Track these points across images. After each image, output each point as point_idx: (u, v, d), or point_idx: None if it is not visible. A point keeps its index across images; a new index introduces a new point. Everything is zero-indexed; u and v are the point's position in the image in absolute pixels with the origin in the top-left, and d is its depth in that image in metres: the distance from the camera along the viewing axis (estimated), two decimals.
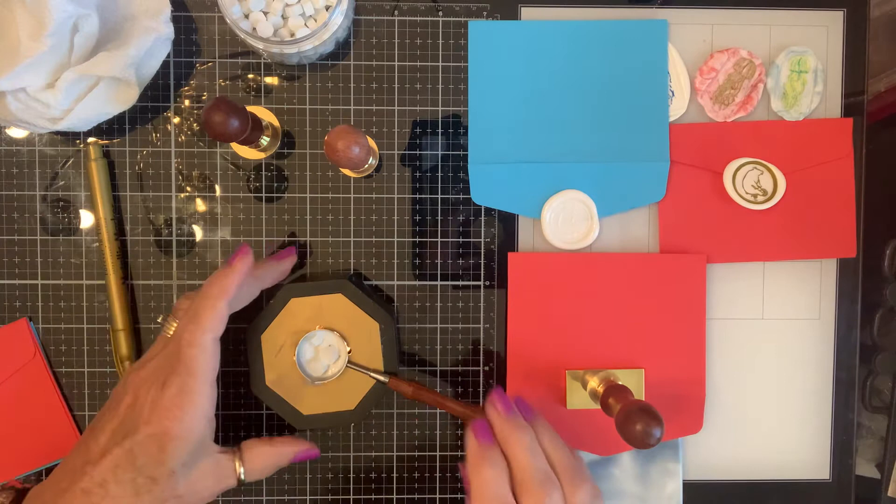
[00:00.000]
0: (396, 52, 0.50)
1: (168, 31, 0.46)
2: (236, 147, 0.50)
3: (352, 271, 0.51)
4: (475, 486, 0.41)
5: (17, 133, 0.50)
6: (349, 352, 0.47)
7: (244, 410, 0.51)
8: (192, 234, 0.50)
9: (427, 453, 0.51)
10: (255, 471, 0.44)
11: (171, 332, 0.43)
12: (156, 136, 0.50)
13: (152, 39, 0.45)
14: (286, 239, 0.50)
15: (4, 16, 0.43)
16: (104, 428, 0.40)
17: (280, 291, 0.47)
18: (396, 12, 0.50)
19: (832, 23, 0.52)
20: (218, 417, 0.51)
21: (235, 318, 0.50)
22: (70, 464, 0.40)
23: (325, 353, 0.47)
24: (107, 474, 0.38)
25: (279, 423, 0.51)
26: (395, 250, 0.51)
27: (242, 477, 0.43)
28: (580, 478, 0.41)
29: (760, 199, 0.50)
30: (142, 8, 0.46)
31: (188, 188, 0.50)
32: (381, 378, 0.47)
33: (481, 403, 0.51)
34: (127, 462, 0.39)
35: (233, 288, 0.42)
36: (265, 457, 0.44)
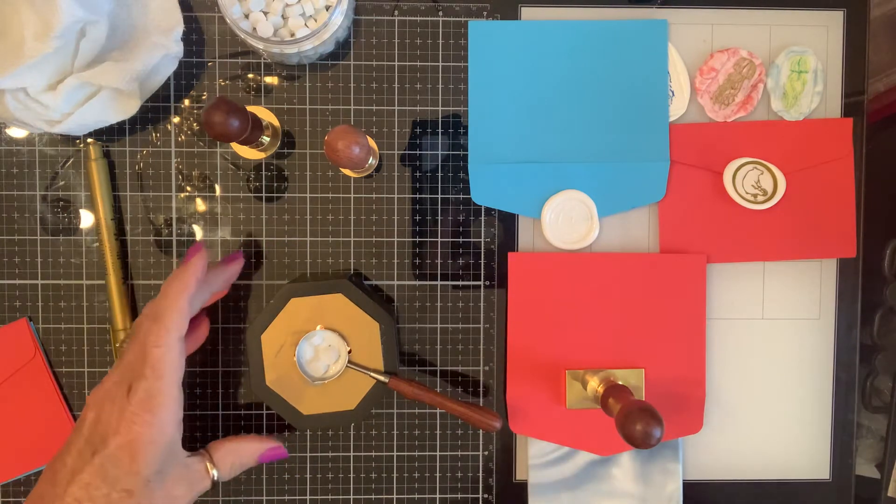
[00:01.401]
0: (396, 52, 0.50)
1: (178, 49, 0.46)
2: (236, 147, 0.50)
3: (352, 271, 0.51)
4: None
5: (17, 133, 0.50)
6: (349, 352, 0.47)
7: (244, 410, 0.51)
8: (192, 234, 0.50)
9: (427, 453, 0.51)
10: (226, 469, 0.43)
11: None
12: (156, 136, 0.50)
13: (160, 56, 0.45)
14: (284, 239, 0.51)
15: (8, 14, 0.43)
16: (69, 450, 0.39)
17: (280, 291, 0.47)
18: (396, 12, 0.50)
19: (832, 23, 0.52)
20: (217, 417, 0.51)
21: (236, 319, 0.50)
22: (38, 491, 0.39)
23: (325, 353, 0.47)
24: (79, 494, 0.37)
25: (279, 423, 0.51)
26: (395, 250, 0.51)
27: (216, 478, 0.43)
28: None
29: (760, 199, 0.50)
30: (154, 22, 0.46)
31: (188, 188, 0.50)
32: (382, 378, 0.47)
33: (481, 403, 0.51)
34: (98, 478, 0.37)
35: (192, 284, 0.41)
36: (233, 455, 0.44)
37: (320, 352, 0.47)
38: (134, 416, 0.38)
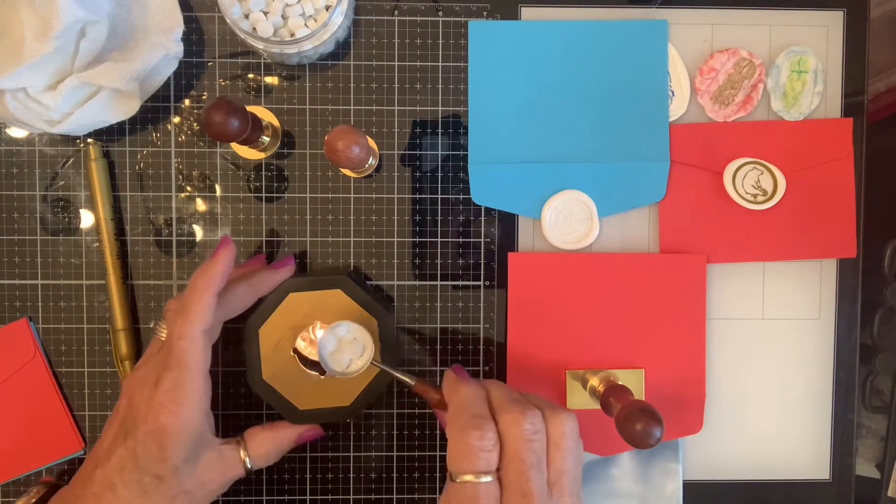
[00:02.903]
0: (396, 52, 0.50)
1: (178, 49, 0.46)
2: (236, 147, 0.50)
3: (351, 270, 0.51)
4: (452, 405, 0.40)
5: (17, 133, 0.50)
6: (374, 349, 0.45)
7: (244, 411, 0.51)
8: (192, 234, 0.50)
9: (427, 453, 0.51)
10: (261, 457, 0.44)
11: (164, 335, 0.43)
12: (156, 135, 0.50)
13: (160, 56, 0.45)
14: (284, 239, 0.50)
15: (8, 14, 0.43)
16: (107, 433, 0.41)
17: (278, 286, 0.47)
18: (396, 12, 0.50)
19: (832, 23, 0.52)
20: (218, 417, 0.51)
21: (235, 319, 0.50)
22: (82, 471, 0.41)
23: (349, 346, 0.45)
24: (114, 477, 0.39)
25: (278, 420, 0.51)
26: (395, 250, 0.51)
27: (249, 465, 0.43)
28: (560, 407, 0.40)
29: (760, 199, 0.50)
30: (154, 22, 0.46)
31: (188, 188, 0.50)
32: (408, 380, 0.45)
33: None
34: (131, 462, 0.39)
35: (218, 277, 0.41)
36: (268, 442, 0.45)
37: (344, 344, 0.45)
38: (161, 406, 0.39)
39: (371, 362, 0.45)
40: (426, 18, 0.50)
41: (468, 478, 0.37)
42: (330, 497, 0.51)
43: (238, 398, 0.51)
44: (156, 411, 0.39)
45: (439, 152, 0.51)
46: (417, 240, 0.51)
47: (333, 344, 0.45)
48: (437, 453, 0.51)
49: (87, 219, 0.50)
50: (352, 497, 0.51)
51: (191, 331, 0.40)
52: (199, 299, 0.41)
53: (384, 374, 0.47)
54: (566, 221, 0.50)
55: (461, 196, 0.51)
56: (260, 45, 0.46)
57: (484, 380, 0.44)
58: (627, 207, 0.51)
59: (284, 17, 0.47)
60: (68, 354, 0.50)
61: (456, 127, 0.51)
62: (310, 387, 0.47)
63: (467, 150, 0.50)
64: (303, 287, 0.47)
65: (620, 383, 0.46)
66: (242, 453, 0.43)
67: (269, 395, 0.47)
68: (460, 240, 0.51)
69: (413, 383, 0.45)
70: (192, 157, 0.50)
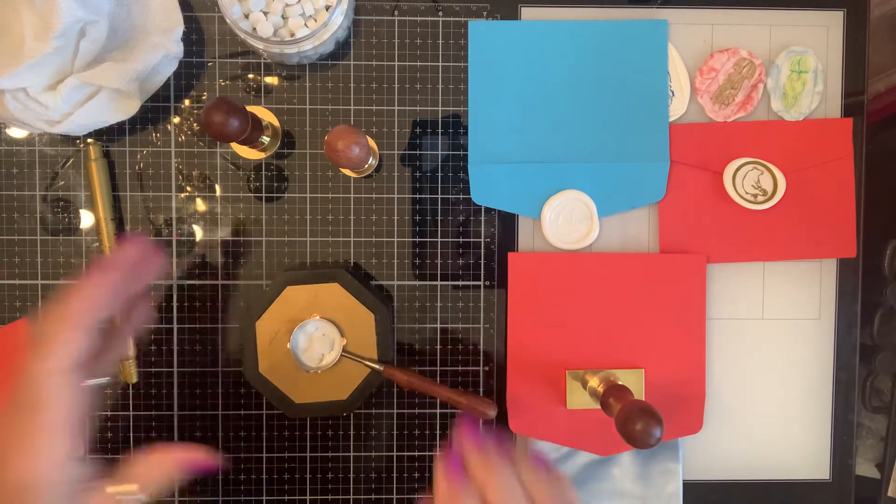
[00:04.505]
0: (396, 52, 0.50)
1: (177, 50, 0.46)
2: (236, 147, 0.50)
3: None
4: None
5: (17, 133, 0.50)
6: (344, 341, 0.47)
7: (244, 411, 0.51)
8: (192, 234, 0.50)
9: (427, 453, 0.51)
10: (145, 488, 0.35)
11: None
12: (156, 135, 0.50)
13: (160, 56, 0.45)
14: (284, 239, 0.50)
15: (8, 14, 0.43)
16: None
17: (276, 279, 0.47)
18: (396, 12, 0.50)
19: (832, 23, 0.52)
20: (217, 418, 0.51)
21: (235, 319, 0.50)
22: None
23: (319, 342, 0.47)
24: None
25: (278, 420, 0.51)
26: (395, 250, 0.51)
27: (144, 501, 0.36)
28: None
29: (760, 199, 0.50)
30: (154, 22, 0.46)
31: (188, 188, 0.50)
32: (376, 366, 0.47)
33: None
34: None
35: (84, 309, 0.33)
36: (151, 472, 0.36)
37: (314, 341, 0.47)
38: (12, 453, 0.32)
39: (341, 354, 0.47)
40: (426, 18, 0.50)
41: None
42: (330, 497, 0.51)
43: (238, 398, 0.51)
44: (9, 460, 0.32)
45: (439, 152, 0.51)
46: (417, 240, 0.51)
47: (305, 342, 0.48)
48: (437, 453, 0.51)
49: (87, 219, 0.50)
50: (352, 497, 0.51)
51: (46, 368, 0.32)
52: (58, 333, 0.33)
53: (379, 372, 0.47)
54: (566, 221, 0.50)
55: (461, 196, 0.51)
56: (260, 45, 0.46)
57: (481, 469, 0.36)
58: (627, 207, 0.51)
59: (284, 17, 0.47)
60: None
61: (456, 127, 0.51)
62: (306, 380, 0.47)
63: (467, 150, 0.50)
64: (300, 280, 0.47)
65: (620, 383, 0.46)
66: (117, 497, 0.34)
67: (266, 389, 0.47)
68: (460, 240, 0.51)
69: (382, 369, 0.47)
70: (192, 157, 0.50)
